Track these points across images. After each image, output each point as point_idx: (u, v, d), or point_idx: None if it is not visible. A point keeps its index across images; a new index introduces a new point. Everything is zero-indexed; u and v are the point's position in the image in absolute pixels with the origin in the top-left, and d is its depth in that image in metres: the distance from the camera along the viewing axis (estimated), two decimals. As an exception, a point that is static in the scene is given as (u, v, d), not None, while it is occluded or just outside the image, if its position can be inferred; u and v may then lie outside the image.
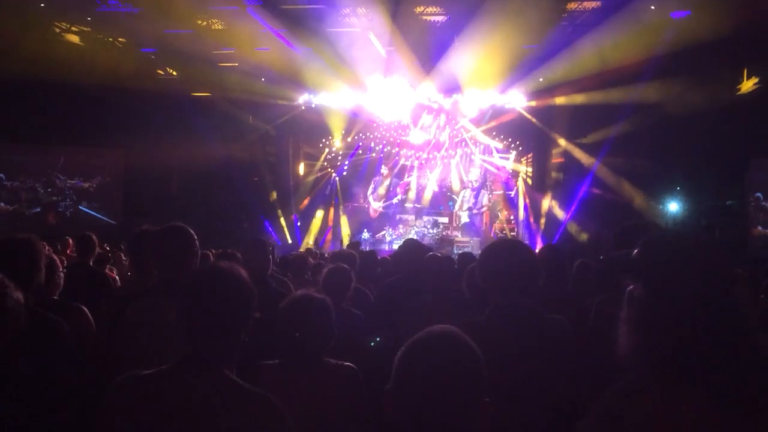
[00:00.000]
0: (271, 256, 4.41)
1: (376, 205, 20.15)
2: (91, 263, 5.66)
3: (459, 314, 2.64)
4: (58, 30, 14.68)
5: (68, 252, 8.00)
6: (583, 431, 1.55)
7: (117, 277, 6.81)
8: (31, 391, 2.41)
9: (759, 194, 15.73)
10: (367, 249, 13.32)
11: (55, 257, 3.66)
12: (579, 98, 16.02)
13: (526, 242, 18.50)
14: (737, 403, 1.37)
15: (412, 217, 19.92)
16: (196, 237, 2.97)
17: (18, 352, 2.40)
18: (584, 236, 16.73)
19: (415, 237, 18.53)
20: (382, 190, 20.22)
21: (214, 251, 7.70)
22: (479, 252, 2.85)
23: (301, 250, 12.66)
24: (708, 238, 1.57)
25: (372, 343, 3.81)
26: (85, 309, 3.42)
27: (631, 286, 1.61)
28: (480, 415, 1.38)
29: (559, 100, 16.88)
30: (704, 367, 1.41)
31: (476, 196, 19.90)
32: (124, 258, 8.46)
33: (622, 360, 1.55)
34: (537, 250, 4.52)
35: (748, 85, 14.83)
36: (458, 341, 1.43)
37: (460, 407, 1.35)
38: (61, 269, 3.59)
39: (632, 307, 1.58)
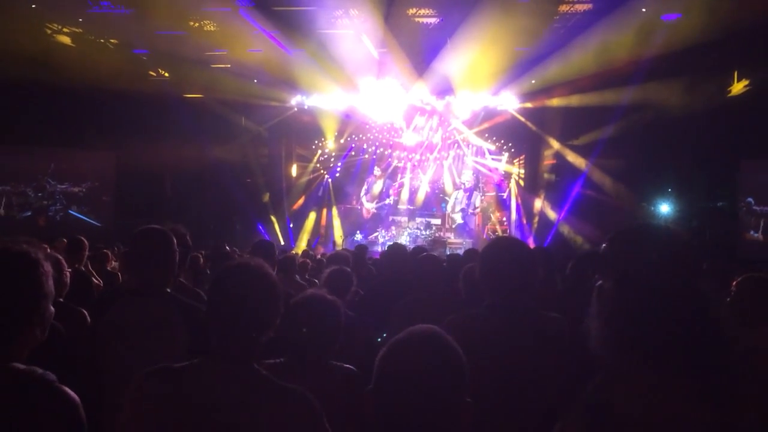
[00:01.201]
0: (276, 258, 4.46)
1: (369, 206, 20.15)
2: (77, 266, 5.64)
3: (448, 314, 2.65)
4: (49, 31, 14.60)
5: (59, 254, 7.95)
6: (568, 426, 1.56)
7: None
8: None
9: (750, 199, 15.78)
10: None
11: (60, 257, 3.61)
12: (571, 100, 16.08)
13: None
14: (712, 387, 1.39)
15: (405, 219, 19.92)
16: (173, 239, 2.97)
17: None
18: (579, 239, 16.78)
19: (407, 238, 18.59)
20: (375, 192, 20.22)
21: (203, 252, 7.68)
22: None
23: (295, 251, 12.62)
24: (674, 230, 1.59)
25: (379, 339, 3.82)
26: (86, 314, 3.39)
27: (599, 282, 1.63)
28: (461, 416, 1.37)
29: (552, 102, 16.93)
30: (676, 355, 1.42)
31: (469, 198, 19.92)
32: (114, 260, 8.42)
33: (597, 354, 1.56)
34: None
35: (738, 87, 14.91)
36: (440, 341, 1.42)
37: (441, 408, 1.35)
38: (67, 268, 3.55)
39: (602, 301, 1.60)
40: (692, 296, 1.48)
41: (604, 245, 1.63)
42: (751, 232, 15.74)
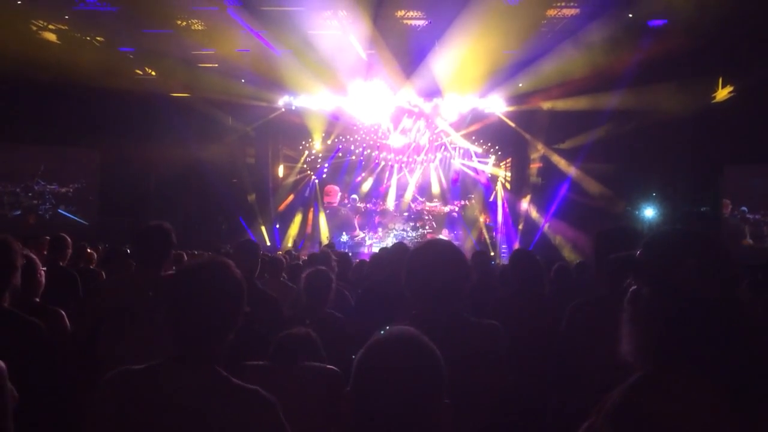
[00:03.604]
0: (259, 258, 4.42)
1: (357, 207, 20.12)
2: (62, 263, 5.65)
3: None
4: (35, 28, 14.45)
5: (43, 252, 7.89)
6: (594, 425, 1.54)
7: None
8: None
9: (744, 208, 15.90)
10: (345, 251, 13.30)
11: (34, 256, 3.58)
12: (557, 104, 16.18)
13: (503, 246, 18.55)
14: (746, 392, 1.39)
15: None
16: (173, 234, 3.07)
17: None
18: (564, 242, 16.87)
19: (393, 240, 18.57)
20: (362, 193, 20.20)
21: (195, 252, 7.62)
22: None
23: (280, 252, 12.58)
24: (712, 237, 1.60)
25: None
26: (63, 312, 3.37)
27: (633, 287, 1.63)
28: (439, 417, 1.36)
29: (538, 106, 17.02)
30: (711, 359, 1.42)
31: (455, 200, 19.97)
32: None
33: (627, 358, 1.56)
34: (510, 255, 4.54)
35: (722, 93, 15.07)
36: (417, 342, 1.40)
37: (420, 408, 1.34)
38: (40, 268, 3.53)
39: (636, 306, 1.60)
40: (731, 304, 1.49)
41: (639, 251, 1.64)
42: (749, 240, 15.84)
